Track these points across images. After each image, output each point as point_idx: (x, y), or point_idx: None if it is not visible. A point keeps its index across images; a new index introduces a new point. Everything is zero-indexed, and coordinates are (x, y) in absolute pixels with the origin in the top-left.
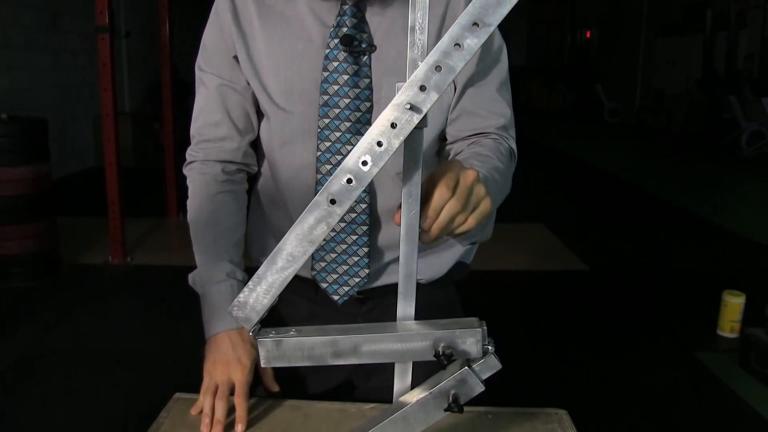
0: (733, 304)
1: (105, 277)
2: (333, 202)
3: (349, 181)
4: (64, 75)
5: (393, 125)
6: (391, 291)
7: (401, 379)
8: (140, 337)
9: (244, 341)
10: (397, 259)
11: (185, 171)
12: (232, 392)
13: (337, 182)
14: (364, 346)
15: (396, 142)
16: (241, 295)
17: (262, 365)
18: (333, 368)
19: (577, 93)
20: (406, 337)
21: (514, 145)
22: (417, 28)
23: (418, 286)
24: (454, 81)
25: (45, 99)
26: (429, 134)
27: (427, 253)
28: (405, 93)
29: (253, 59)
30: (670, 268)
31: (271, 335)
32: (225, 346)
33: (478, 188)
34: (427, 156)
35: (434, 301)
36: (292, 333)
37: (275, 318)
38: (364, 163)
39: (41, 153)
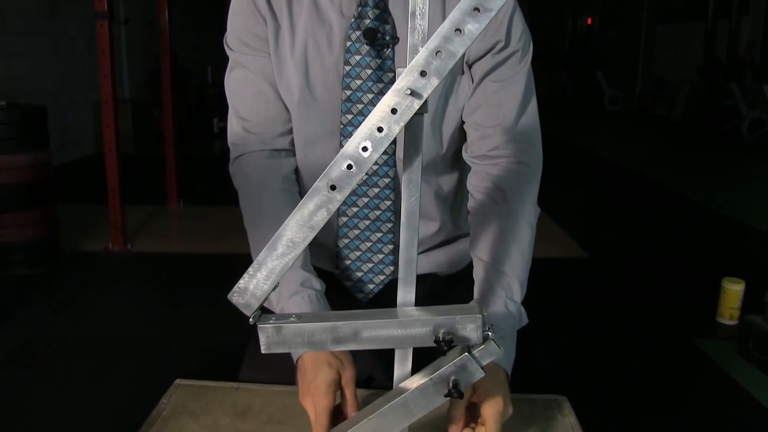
0: (733, 291)
1: (105, 265)
2: (333, 188)
3: (350, 167)
4: (63, 62)
5: (393, 111)
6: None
7: (401, 365)
8: (141, 324)
9: (322, 361)
10: (421, 253)
11: (233, 168)
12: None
13: (337, 168)
14: (364, 332)
15: (396, 127)
16: (241, 281)
17: (263, 351)
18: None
19: (577, 80)
20: (406, 323)
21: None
22: (417, 13)
23: (438, 278)
24: (471, 74)
25: (44, 86)
26: (446, 134)
27: (448, 248)
28: (405, 78)
29: (280, 52)
30: (670, 255)
31: (272, 321)
32: (305, 370)
33: (509, 411)
34: (447, 156)
35: (453, 293)
36: (292, 319)
37: None
38: (365, 149)
39: (40, 140)
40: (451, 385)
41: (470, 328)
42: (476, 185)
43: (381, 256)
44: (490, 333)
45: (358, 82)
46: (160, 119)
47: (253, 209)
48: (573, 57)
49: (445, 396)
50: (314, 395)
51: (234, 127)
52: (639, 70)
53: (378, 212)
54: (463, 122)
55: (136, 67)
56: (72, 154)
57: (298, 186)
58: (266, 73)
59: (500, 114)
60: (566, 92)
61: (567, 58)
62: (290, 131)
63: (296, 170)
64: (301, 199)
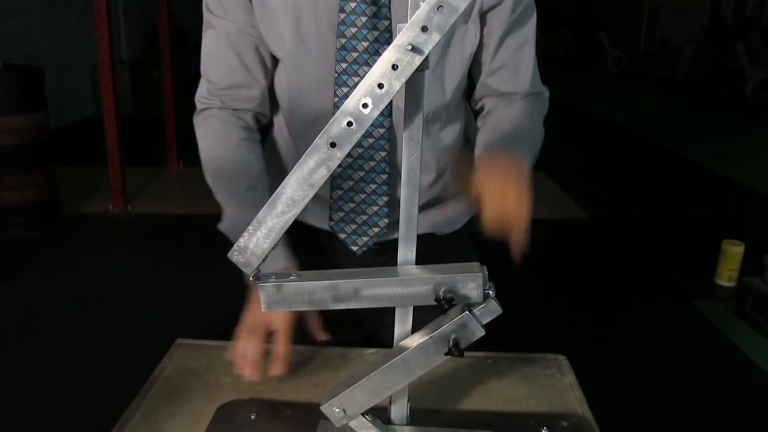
0: (732, 253)
1: (106, 226)
2: (333, 145)
3: (350, 123)
4: (58, 22)
5: (394, 67)
6: None
7: (402, 323)
8: (141, 285)
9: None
10: (419, 213)
11: (197, 120)
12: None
13: (337, 125)
14: (364, 290)
15: (397, 84)
16: (241, 239)
17: (263, 310)
18: (356, 323)
19: (580, 40)
20: (406, 281)
21: (542, 89)
22: None
23: (436, 238)
24: (483, 30)
25: (40, 46)
26: (449, 84)
27: (446, 206)
28: (406, 34)
29: (267, 2)
30: (671, 216)
31: (272, 280)
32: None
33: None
34: (450, 107)
35: (452, 252)
36: (292, 278)
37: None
38: (365, 105)
39: (39, 102)
40: (451, 343)
41: (471, 287)
42: (487, 110)
43: (375, 208)
44: (490, 291)
45: (353, 29)
46: (158, 80)
47: (218, 158)
48: (576, 17)
49: (446, 354)
50: (275, 313)
51: (201, 86)
52: (642, 31)
53: (372, 163)
54: (470, 74)
55: (134, 27)
56: (71, 116)
57: (290, 138)
58: (233, 40)
59: (518, 79)
60: (569, 53)
61: (570, 18)
62: (255, 95)
63: (286, 122)
64: (286, 152)
